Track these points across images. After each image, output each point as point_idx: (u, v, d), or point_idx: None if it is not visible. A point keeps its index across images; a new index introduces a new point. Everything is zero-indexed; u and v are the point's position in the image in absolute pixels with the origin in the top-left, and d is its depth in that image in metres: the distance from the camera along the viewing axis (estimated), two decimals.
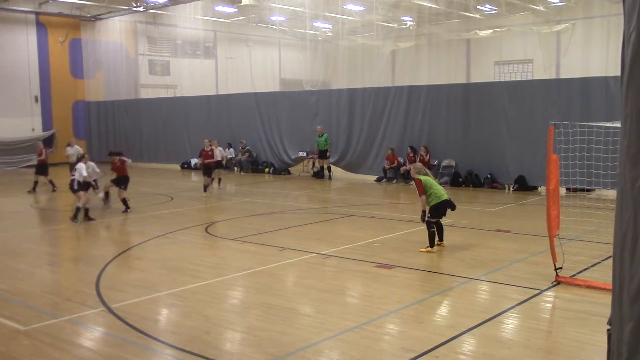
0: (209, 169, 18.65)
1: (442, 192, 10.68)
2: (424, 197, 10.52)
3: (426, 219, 10.56)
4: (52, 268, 10.61)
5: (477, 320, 7.00)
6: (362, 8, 30.52)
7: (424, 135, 20.79)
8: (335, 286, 8.67)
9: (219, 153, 19.66)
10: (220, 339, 6.82)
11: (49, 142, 30.85)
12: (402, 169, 20.65)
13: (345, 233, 12.56)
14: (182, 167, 27.91)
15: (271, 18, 34.24)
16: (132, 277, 9.37)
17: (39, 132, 30.88)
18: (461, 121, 19.91)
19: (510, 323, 7.13)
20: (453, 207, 10.80)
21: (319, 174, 23.28)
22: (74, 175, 14.30)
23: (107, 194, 16.24)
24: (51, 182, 20.00)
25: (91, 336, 7.03)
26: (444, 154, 20.27)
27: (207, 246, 11.72)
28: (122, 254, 10.85)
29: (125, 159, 16.11)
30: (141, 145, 30.12)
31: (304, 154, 24.25)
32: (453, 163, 20.04)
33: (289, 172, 24.84)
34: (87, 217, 14.43)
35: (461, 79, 33.36)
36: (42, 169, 20.18)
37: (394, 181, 21.15)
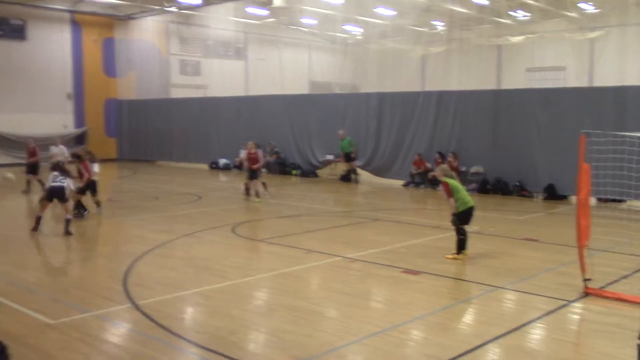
0: (254, 172, 17.60)
1: (468, 198, 10.55)
2: (452, 200, 10.34)
3: (457, 225, 10.42)
4: (81, 263, 10.78)
5: (503, 330, 6.93)
6: (393, 12, 30.46)
7: (452, 141, 20.64)
8: (360, 290, 8.66)
9: (262, 156, 18.46)
10: (245, 339, 6.86)
11: (80, 139, 31.42)
12: (430, 174, 20.53)
13: (371, 237, 12.54)
14: (211, 167, 28.12)
15: (302, 20, 34.37)
16: (160, 275, 9.47)
17: (71, 129, 31.45)
18: (491, 128, 19.73)
19: (536, 334, 7.05)
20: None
21: (346, 178, 23.27)
22: (62, 182, 12.61)
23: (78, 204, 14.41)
24: (40, 181, 18.71)
25: (118, 332, 7.12)
26: (473, 160, 20.10)
27: (234, 246, 11.79)
28: (150, 252, 10.97)
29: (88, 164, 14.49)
30: (171, 144, 30.44)
31: (332, 157, 24.26)
32: (481, 170, 19.86)
33: (316, 175, 24.86)
34: (68, 231, 12.52)
35: (491, 85, 33.07)
36: (33, 168, 19.42)
37: (421, 186, 21.04)
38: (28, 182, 19.46)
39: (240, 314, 7.60)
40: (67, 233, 12.48)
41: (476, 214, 10.78)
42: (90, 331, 6.97)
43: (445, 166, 11.16)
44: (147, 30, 32.46)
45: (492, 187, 19.46)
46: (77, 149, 16.30)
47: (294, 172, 25.26)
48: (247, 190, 17.89)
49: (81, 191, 14.41)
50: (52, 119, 30.53)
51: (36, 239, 12.43)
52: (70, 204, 13.09)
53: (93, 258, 11.27)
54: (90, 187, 14.64)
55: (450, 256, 10.44)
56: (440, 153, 20.48)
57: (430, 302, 8.12)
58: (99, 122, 32.68)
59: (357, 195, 20.73)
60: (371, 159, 23.06)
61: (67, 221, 12.61)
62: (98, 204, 15.10)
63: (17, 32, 29.11)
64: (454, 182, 10.47)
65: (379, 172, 23.05)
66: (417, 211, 17.35)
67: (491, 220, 14.62)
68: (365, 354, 6.34)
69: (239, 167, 26.67)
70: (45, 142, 24.56)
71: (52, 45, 30.52)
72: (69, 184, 12.84)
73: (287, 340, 6.61)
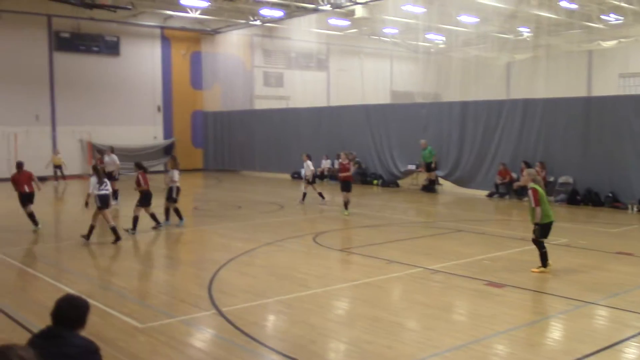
0: (347, 183, 17.15)
1: (551, 212, 10.05)
2: (539, 209, 9.77)
3: (537, 237, 9.98)
4: (168, 270, 11.15)
5: (594, 347, 6.61)
6: (477, 19, 29.89)
7: (539, 151, 19.98)
8: (442, 302, 8.50)
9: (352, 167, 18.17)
10: (325, 348, 6.87)
11: (168, 150, 32.62)
12: (515, 184, 19.88)
13: (453, 248, 12.29)
14: (293, 176, 28.47)
15: (384, 30, 34.30)
16: (242, 283, 9.65)
17: (160, 140, 32.71)
18: (580, 136, 18.96)
19: (631, 353, 6.68)
20: None
21: (427, 188, 22.98)
22: (107, 189, 12.91)
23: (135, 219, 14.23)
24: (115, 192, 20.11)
25: (203, 337, 7.31)
26: (561, 170, 19.37)
27: (315, 255, 11.86)
28: (233, 260, 11.21)
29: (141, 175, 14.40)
30: (254, 154, 31.08)
31: (413, 167, 24.03)
32: (571, 180, 19.10)
33: (397, 185, 24.69)
34: (117, 238, 12.87)
35: (581, 92, 31.76)
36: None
37: (506, 197, 20.45)
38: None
39: (320, 322, 7.63)
40: (117, 239, 12.75)
41: (565, 225, 10.43)
42: (176, 335, 7.19)
43: (532, 170, 10.66)
44: (232, 44, 33.37)
45: (582, 198, 18.67)
46: (168, 159, 16.39)
47: (375, 182, 25.19)
48: (345, 204, 17.09)
49: (143, 201, 14.34)
50: (143, 131, 31.90)
51: (123, 245, 12.96)
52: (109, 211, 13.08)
53: (179, 265, 11.63)
54: (147, 197, 14.35)
55: (537, 270, 10.07)
56: (526, 162, 19.85)
57: (515, 317, 7.86)
58: (186, 133, 33.85)
59: (439, 205, 20.42)
60: (454, 168, 22.66)
61: (113, 229, 12.81)
62: (176, 211, 15.22)
63: (111, 49, 30.64)
64: (542, 192, 10.04)
65: (462, 182, 22.61)
66: (502, 222, 16.88)
67: (581, 232, 14.03)
68: None
69: (320, 177, 26.88)
70: (137, 154, 25.58)
71: (143, 60, 31.94)
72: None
73: (367, 351, 6.58)
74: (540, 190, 9.93)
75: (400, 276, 10.00)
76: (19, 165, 14.98)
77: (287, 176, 28.71)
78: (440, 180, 23.37)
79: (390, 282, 9.68)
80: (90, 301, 5.08)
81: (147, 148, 31.09)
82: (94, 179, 12.94)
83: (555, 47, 31.80)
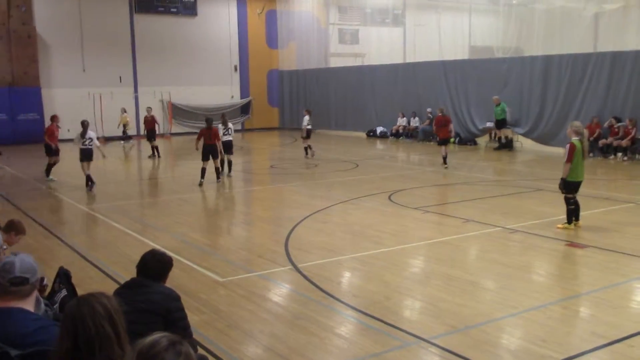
0: (445, 140, 17.93)
1: (581, 173, 9.86)
2: (569, 164, 9.67)
3: (563, 192, 9.84)
4: (247, 227, 11.45)
5: None
6: None
7: (627, 106, 18.98)
8: (520, 262, 8.34)
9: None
10: (400, 305, 6.91)
11: (245, 109, 33.11)
12: (601, 142, 19.08)
13: (533, 208, 11.98)
14: (368, 135, 28.34)
15: None
16: (318, 240, 9.79)
17: (237, 99, 33.20)
18: None
19: None
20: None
21: (502, 146, 22.38)
22: (90, 144, 14.67)
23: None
24: (156, 148, 20.97)
25: (279, 292, 7.50)
26: None
27: (390, 214, 11.84)
28: (309, 217, 11.37)
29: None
30: (329, 113, 31.06)
31: (492, 125, 23.38)
32: None
33: (475, 143, 24.16)
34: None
35: None
36: (151, 134, 21.36)
37: (590, 155, 19.60)
38: (153, 148, 21.18)
39: (395, 280, 7.66)
40: (91, 186, 14.61)
41: None
42: (255, 290, 7.41)
43: (578, 124, 10.28)
44: (307, 1, 33.11)
45: None
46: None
47: (452, 140, 24.71)
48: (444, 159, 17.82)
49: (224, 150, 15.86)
50: (221, 90, 32.45)
51: (203, 202, 13.35)
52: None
53: (257, 222, 11.90)
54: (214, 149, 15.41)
55: (561, 226, 9.93)
56: (616, 118, 18.95)
57: (598, 278, 7.62)
58: (262, 93, 34.17)
59: (518, 164, 19.85)
60: (535, 126, 21.88)
61: (88, 177, 14.62)
62: (224, 165, 16.29)
63: (189, 9, 31.10)
64: (580, 149, 9.70)
65: (543, 139, 21.83)
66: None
67: None
68: (525, 327, 6.11)
69: (395, 134, 26.64)
70: (216, 113, 26.08)
71: (220, 20, 32.26)
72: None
73: (442, 309, 6.57)
74: (579, 146, 9.67)
75: (477, 235, 9.86)
76: (53, 118, 15.84)
77: (363, 134, 28.59)
78: (520, 138, 22.66)
79: (466, 241, 9.57)
80: (173, 256, 5.30)
81: (225, 107, 31.66)
82: (78, 135, 14.73)
83: None
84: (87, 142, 14.63)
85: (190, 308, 6.12)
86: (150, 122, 21.77)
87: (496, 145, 22.95)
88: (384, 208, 12.32)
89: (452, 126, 18.63)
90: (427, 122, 25.32)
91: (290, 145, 26.18)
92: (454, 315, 6.39)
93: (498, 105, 22.03)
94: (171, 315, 4.33)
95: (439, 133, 18.41)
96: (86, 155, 14.64)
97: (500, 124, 22.25)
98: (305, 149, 20.45)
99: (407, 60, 29.88)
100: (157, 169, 19.80)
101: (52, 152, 16.38)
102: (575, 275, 7.75)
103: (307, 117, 20.64)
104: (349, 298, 7.08)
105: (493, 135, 23.74)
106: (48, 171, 16.34)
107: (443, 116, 18.34)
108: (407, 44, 34.40)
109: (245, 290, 7.36)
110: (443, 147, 17.77)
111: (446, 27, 30.63)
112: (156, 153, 20.99)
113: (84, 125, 14.84)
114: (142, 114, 30.06)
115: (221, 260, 8.76)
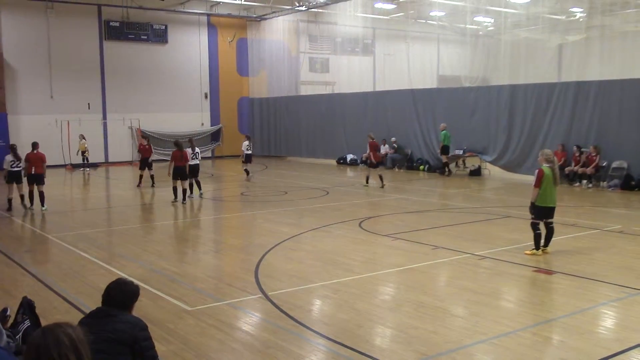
0: (379, 162, 20.08)
1: (552, 199, 10.07)
2: (537, 189, 9.94)
3: (532, 215, 10.05)
4: (216, 254, 11.32)
5: None
6: (527, 0, 29.12)
7: (591, 135, 19.43)
8: (489, 289, 8.39)
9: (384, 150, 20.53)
10: (372, 333, 6.87)
11: (215, 136, 33.04)
12: (567, 169, 19.46)
13: (501, 234, 12.11)
14: (338, 162, 28.46)
15: (430, 14, 33.77)
16: (289, 267, 9.72)
17: (207, 126, 33.12)
18: (636, 120, 18.34)
19: None
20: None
21: (475, 173, 22.71)
22: (18, 167, 15.47)
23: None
24: (152, 177, 20.75)
25: (249, 321, 7.40)
26: (615, 155, 18.79)
27: (360, 241, 11.85)
28: (279, 244, 11.30)
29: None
30: (299, 140, 31.18)
31: (460, 152, 23.72)
32: (625, 165, 18.53)
33: (450, 172, 24.46)
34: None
35: (638, 74, 30.71)
36: (144, 163, 20.88)
37: None
38: (140, 177, 20.91)
39: (366, 307, 7.63)
40: (9, 209, 15.40)
41: (619, 212, 10.11)
42: (224, 319, 7.30)
43: (548, 151, 10.55)
44: (278, 30, 33.40)
45: (637, 183, 18.11)
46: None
47: (421, 167, 24.97)
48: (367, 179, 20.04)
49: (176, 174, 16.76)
50: (191, 117, 32.38)
51: (172, 229, 13.20)
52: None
53: (227, 250, 11.78)
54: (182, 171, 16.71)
55: (529, 252, 10.12)
56: (578, 147, 19.37)
57: (566, 304, 7.70)
58: (232, 120, 34.19)
59: (486, 191, 20.10)
60: (502, 153, 22.26)
61: (9, 200, 15.58)
62: (194, 187, 17.67)
63: (159, 37, 31.10)
64: (550, 176, 9.94)
65: (511, 167, 22.20)
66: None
67: (635, 219, 13.62)
68: (495, 354, 6.13)
69: (365, 162, 26.77)
70: (185, 140, 25.90)
71: (190, 48, 32.32)
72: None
73: (413, 336, 6.55)
74: (547, 172, 9.92)
75: (446, 262, 9.91)
76: (34, 146, 15.64)
77: (333, 162, 28.70)
78: (488, 166, 23.01)
79: (436, 268, 9.60)
80: (141, 284, 5.20)
81: (195, 134, 31.54)
82: (8, 157, 15.45)
83: (610, 28, 30.71)
84: (14, 165, 15.49)
85: (158, 338, 6.00)
86: (147, 150, 21.08)
87: (467, 172, 23.34)
88: (355, 235, 12.32)
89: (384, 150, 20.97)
90: (393, 150, 25.83)
91: (261, 173, 26.13)
92: (424, 342, 6.37)
93: (442, 131, 22.94)
94: (138, 345, 4.23)
95: (375, 157, 19.93)
96: (14, 177, 15.55)
97: (444, 150, 23.14)
98: (245, 170, 22.47)
99: (377, 89, 30.29)
100: (125, 196, 19.55)
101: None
102: (544, 301, 7.82)
103: (246, 143, 22.66)
104: (320, 326, 7.02)
105: (461, 162, 24.16)
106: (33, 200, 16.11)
107: (374, 141, 20.11)
108: (377, 73, 34.86)
109: (214, 319, 7.25)
110: (378, 169, 19.91)
111: (415, 56, 31.17)
112: (151, 181, 20.74)
113: (14, 148, 15.86)
114: (111, 140, 30.01)
115: (190, 288, 8.63)
